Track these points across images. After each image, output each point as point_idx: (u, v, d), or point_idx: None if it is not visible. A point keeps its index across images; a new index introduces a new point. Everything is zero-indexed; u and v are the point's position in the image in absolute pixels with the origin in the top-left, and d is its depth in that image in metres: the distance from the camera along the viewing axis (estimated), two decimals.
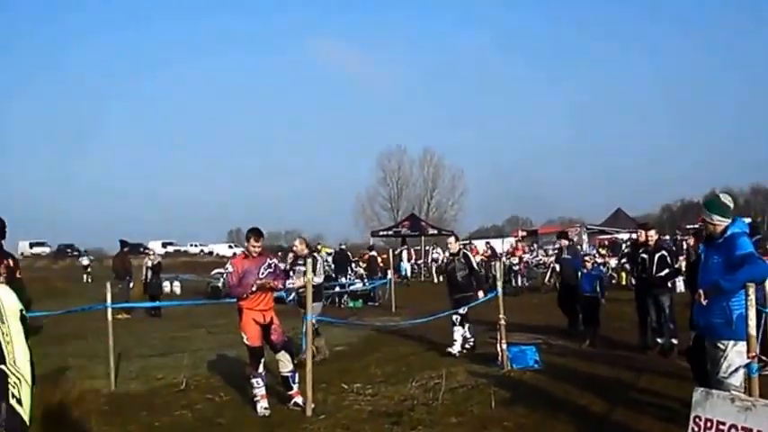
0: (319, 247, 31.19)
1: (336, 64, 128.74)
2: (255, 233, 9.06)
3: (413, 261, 38.53)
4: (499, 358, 11.07)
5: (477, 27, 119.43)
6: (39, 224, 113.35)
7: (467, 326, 12.86)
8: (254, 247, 8.98)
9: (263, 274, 8.88)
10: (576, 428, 7.65)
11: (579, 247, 34.08)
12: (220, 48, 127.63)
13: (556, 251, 34.92)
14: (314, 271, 10.53)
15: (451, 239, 14.03)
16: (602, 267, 16.76)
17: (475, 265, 13.38)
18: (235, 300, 9.13)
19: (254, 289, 8.77)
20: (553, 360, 11.49)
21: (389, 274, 25.47)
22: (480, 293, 12.83)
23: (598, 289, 13.51)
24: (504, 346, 11.02)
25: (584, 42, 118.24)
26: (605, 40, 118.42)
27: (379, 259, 30.57)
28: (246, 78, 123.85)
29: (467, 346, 12.78)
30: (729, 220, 6.49)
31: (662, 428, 7.36)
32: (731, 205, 6.59)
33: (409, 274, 36.07)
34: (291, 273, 12.20)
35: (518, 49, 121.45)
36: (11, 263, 7.60)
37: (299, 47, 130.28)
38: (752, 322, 5.74)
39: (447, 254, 13.95)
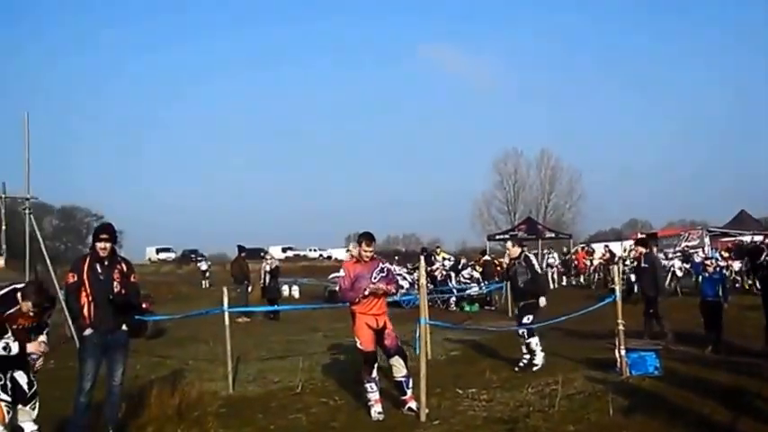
0: (438, 251, 31.18)
1: (449, 69, 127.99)
2: (367, 238, 9.09)
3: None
4: (618, 364, 10.78)
5: (594, 24, 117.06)
6: (165, 230, 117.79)
7: (536, 338, 11.90)
8: (365, 251, 9.01)
9: (375, 278, 8.89)
10: None
11: (666, 253, 33.34)
12: (331, 54, 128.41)
13: (677, 254, 34.15)
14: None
15: (509, 243, 12.92)
16: (724, 271, 15.99)
17: (538, 268, 12.50)
18: (348, 304, 9.18)
19: (366, 293, 8.81)
20: (673, 366, 11.08)
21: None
22: (542, 300, 11.98)
23: (720, 293, 12.97)
24: (623, 352, 10.73)
25: (710, 34, 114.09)
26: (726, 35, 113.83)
27: (497, 263, 30.36)
28: (361, 84, 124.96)
29: (542, 354, 11.79)
30: None
31: None
32: None
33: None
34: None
35: (635, 43, 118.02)
36: (124, 268, 7.80)
37: (412, 53, 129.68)
38: None
39: (507, 258, 12.86)
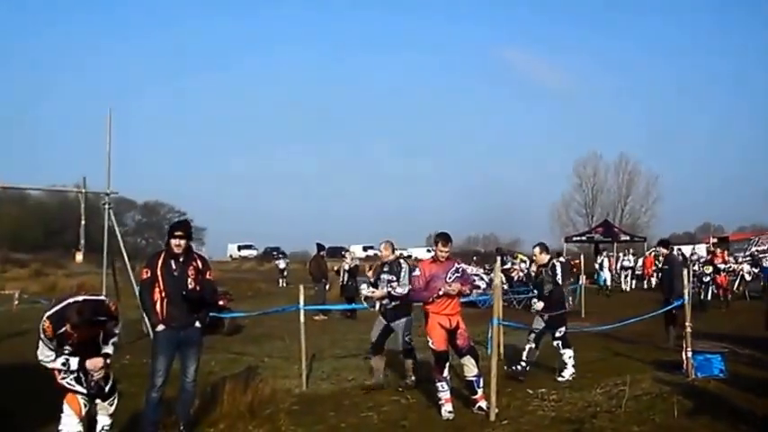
0: (516, 254, 31.03)
1: (528, 72, 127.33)
2: (444, 238, 9.17)
3: (614, 270, 36.67)
4: (684, 366, 10.82)
5: (676, 27, 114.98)
6: (251, 228, 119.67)
7: (532, 346, 11.39)
8: (441, 251, 9.08)
9: (450, 278, 8.97)
10: None
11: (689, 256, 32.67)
12: (409, 49, 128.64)
13: (747, 258, 33.49)
14: (397, 280, 10.51)
15: (537, 249, 12.10)
16: None
17: (559, 279, 11.54)
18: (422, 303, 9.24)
19: (440, 293, 8.85)
20: (739, 369, 11.08)
21: (581, 279, 25.01)
22: (538, 304, 11.51)
23: None
24: (690, 354, 10.76)
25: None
26: None
27: (573, 264, 30.10)
28: (446, 84, 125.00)
29: (572, 370, 11.26)
30: None
31: None
32: None
33: (609, 282, 34.25)
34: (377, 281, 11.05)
35: (715, 48, 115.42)
36: (199, 264, 7.93)
37: (488, 55, 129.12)
38: None
39: (534, 265, 12.56)
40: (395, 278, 10.50)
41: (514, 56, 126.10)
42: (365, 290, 11.22)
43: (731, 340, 13.53)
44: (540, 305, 11.39)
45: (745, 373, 10.81)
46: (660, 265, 15.24)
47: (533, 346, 11.37)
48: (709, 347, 11.38)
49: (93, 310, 6.71)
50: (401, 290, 10.42)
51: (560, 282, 11.45)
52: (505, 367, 10.89)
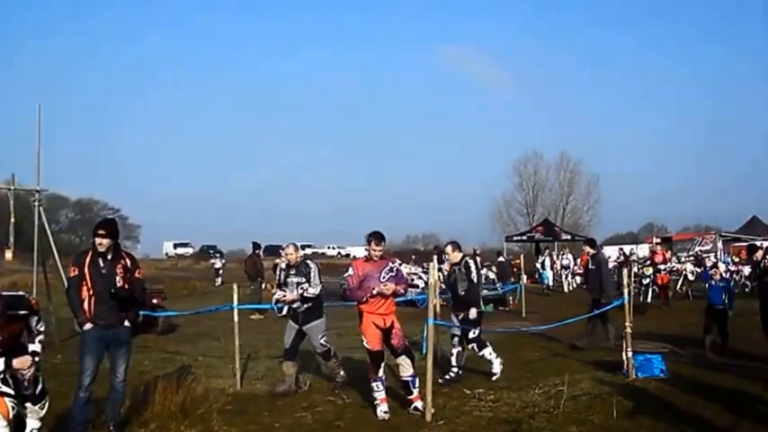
0: None
1: (470, 69, 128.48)
2: (376, 237, 9.03)
3: (557, 269, 36.73)
4: (624, 366, 10.84)
5: (615, 26, 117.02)
6: (188, 226, 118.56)
7: (458, 349, 11.23)
8: (374, 250, 8.97)
9: (384, 278, 8.88)
10: None
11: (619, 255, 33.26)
12: (352, 48, 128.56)
13: (690, 258, 34.05)
14: (308, 281, 10.44)
15: (449, 247, 11.65)
16: (730, 277, 15.55)
17: (474, 277, 11.25)
18: (355, 303, 9.14)
19: (374, 293, 8.77)
20: (680, 369, 11.16)
21: (522, 278, 25.23)
22: (473, 311, 11.07)
23: (726, 301, 12.99)
24: (630, 354, 10.77)
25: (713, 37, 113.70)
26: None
27: (513, 264, 30.32)
28: (384, 83, 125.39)
29: (500, 360, 11.25)
30: None
31: None
32: None
33: (551, 282, 34.48)
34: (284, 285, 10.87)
35: (657, 47, 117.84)
36: (128, 263, 7.77)
37: (432, 53, 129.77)
38: None
39: (447, 264, 11.84)
40: (304, 279, 10.40)
41: (453, 53, 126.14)
42: (277, 294, 10.95)
43: (672, 340, 13.72)
44: (474, 312, 11.12)
45: (686, 373, 10.92)
46: (587, 265, 15.27)
47: (459, 349, 11.28)
48: (650, 348, 11.49)
49: (11, 304, 6.50)
50: (313, 290, 10.39)
51: (475, 280, 11.26)
52: (440, 380, 10.57)
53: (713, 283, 13.34)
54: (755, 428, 7.82)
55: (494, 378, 10.87)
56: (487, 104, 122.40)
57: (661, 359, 10.97)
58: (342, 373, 10.60)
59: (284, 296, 10.63)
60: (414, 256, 38.42)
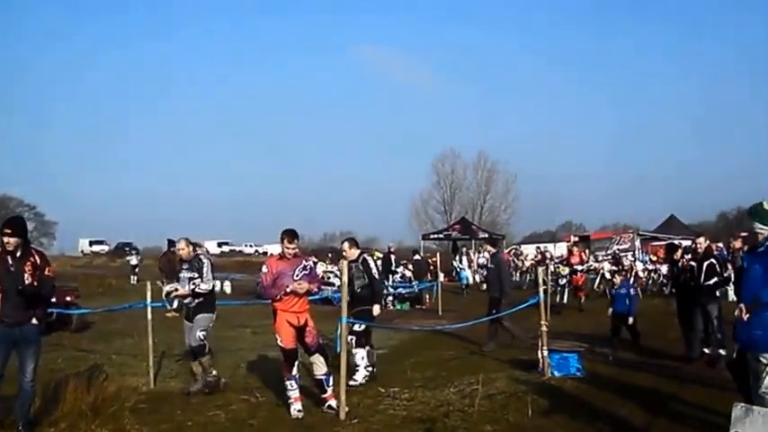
0: (372, 252, 31.13)
1: (390, 68, 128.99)
2: (290, 234, 8.94)
3: (474, 268, 36.23)
4: (540, 365, 10.92)
5: (533, 25, 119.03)
6: (105, 223, 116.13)
7: (366, 349, 10.82)
8: (288, 248, 8.90)
9: (297, 276, 8.81)
10: None
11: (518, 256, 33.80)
12: (268, 51, 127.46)
13: (608, 257, 34.65)
14: (200, 276, 10.36)
15: (346, 244, 11.43)
16: (635, 283, 15.57)
17: (375, 273, 11.12)
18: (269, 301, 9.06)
19: (287, 291, 8.75)
20: (596, 368, 11.32)
21: (439, 277, 25.39)
22: (376, 308, 10.85)
23: (628, 306, 13.21)
24: (546, 353, 10.86)
25: (625, 43, 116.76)
26: (644, 45, 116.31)
27: (430, 262, 30.45)
28: (301, 84, 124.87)
29: (365, 372, 10.69)
30: None
31: None
32: None
33: (470, 281, 33.31)
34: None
35: (566, 53, 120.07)
36: (37, 260, 7.61)
37: (347, 53, 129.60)
38: None
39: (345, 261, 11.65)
40: (197, 275, 10.28)
41: (371, 54, 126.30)
42: (168, 286, 10.84)
43: (589, 339, 14.00)
44: (377, 309, 10.87)
45: (602, 372, 11.08)
46: (487, 263, 15.40)
47: (368, 348, 11.08)
48: (566, 346, 11.67)
49: None
50: (206, 285, 10.31)
51: (376, 276, 11.09)
52: (350, 382, 9.93)
53: (615, 291, 13.56)
54: (670, 426, 7.95)
55: (352, 383, 10.03)
56: (406, 103, 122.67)
57: (577, 358, 11.09)
58: (214, 372, 10.41)
59: (176, 289, 10.51)
60: (330, 254, 38.40)
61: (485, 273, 33.98)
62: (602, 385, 10.06)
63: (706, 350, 12.00)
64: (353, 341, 10.52)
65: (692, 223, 56.92)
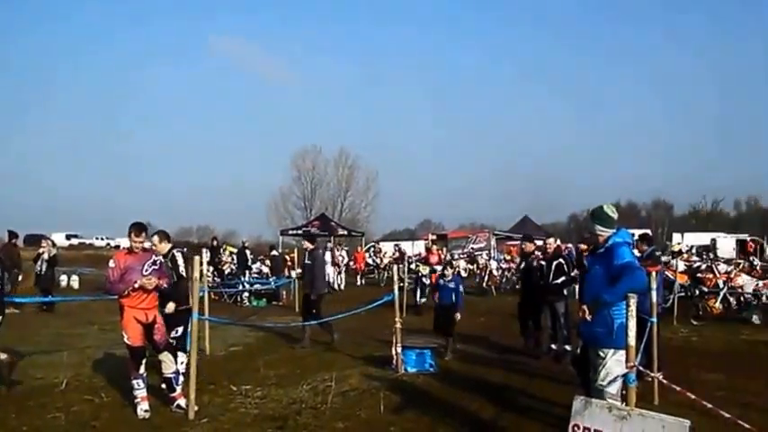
0: (226, 246, 30.60)
1: (251, 64, 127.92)
2: (136, 228, 8.57)
3: (340, 266, 33.84)
4: (394, 361, 10.96)
5: (395, 24, 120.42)
6: None
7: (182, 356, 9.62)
8: (135, 242, 8.53)
9: (147, 271, 8.48)
10: None
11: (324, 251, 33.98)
12: (129, 46, 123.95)
13: (464, 255, 35.25)
14: None
15: (156, 238, 10.15)
16: (461, 279, 15.67)
17: (183, 270, 10.04)
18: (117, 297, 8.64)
19: (135, 286, 8.37)
20: (449, 364, 11.49)
21: (294, 273, 25.12)
22: (171, 306, 9.33)
23: (455, 300, 13.01)
24: (399, 350, 10.92)
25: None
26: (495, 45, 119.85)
27: (288, 258, 30.00)
28: (159, 75, 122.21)
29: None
30: (611, 231, 6.62)
31: None
32: (614, 216, 6.73)
33: (333, 278, 29.91)
34: None
35: (426, 50, 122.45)
36: None
37: (206, 46, 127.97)
38: (631, 332, 5.78)
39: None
40: None
41: (226, 45, 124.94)
42: None
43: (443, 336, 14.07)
44: (171, 306, 9.52)
45: (455, 368, 11.22)
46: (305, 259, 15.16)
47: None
48: (420, 343, 11.68)
49: None
50: None
51: (184, 274, 10.10)
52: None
53: (443, 283, 13.57)
54: (518, 419, 8.11)
55: (175, 395, 8.84)
56: (268, 98, 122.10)
57: (430, 354, 11.20)
58: None
59: None
60: (185, 249, 37.55)
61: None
62: (454, 381, 10.20)
63: (553, 346, 12.33)
64: (173, 344, 9.44)
65: (546, 224, 58.87)
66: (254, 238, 44.69)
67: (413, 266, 25.65)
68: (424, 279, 22.46)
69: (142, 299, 8.52)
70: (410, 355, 11.08)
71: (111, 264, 8.58)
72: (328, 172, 77.18)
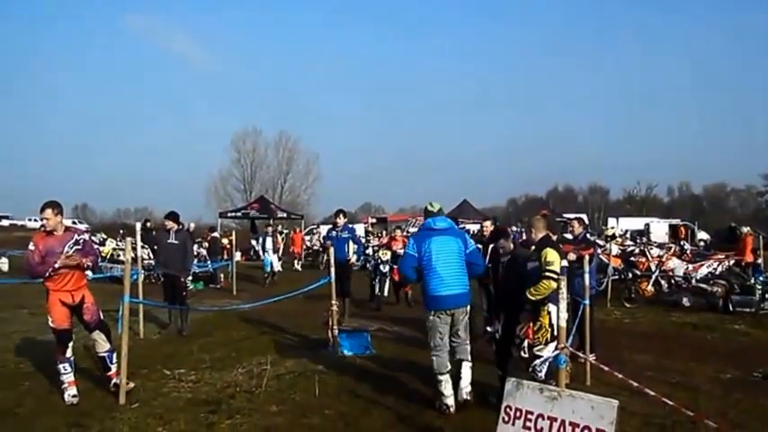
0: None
1: (181, 44, 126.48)
2: (51, 206, 8.21)
3: (280, 252, 31.49)
4: (330, 344, 10.91)
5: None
6: None
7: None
8: (41, 220, 8.23)
9: (68, 251, 8.19)
10: (395, 415, 7.60)
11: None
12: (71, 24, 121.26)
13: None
14: None
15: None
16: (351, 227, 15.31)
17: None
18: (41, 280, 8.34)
19: (56, 266, 8.08)
20: (386, 347, 11.45)
21: (236, 256, 24.88)
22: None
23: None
24: (336, 332, 10.86)
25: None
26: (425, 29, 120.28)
27: (226, 241, 29.58)
28: (94, 53, 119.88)
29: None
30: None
31: (480, 415, 7.44)
32: (431, 209, 8.36)
33: (277, 267, 27.09)
34: None
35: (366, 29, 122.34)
36: None
37: (129, 24, 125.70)
38: (563, 315, 5.91)
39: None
40: None
41: (146, 23, 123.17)
42: None
43: (381, 319, 14.14)
44: None
45: (391, 350, 11.21)
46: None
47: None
48: (357, 326, 11.60)
49: None
50: None
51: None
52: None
53: (335, 234, 13.68)
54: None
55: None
56: (204, 78, 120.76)
57: (368, 336, 11.19)
58: None
59: None
60: (122, 231, 37.02)
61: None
62: (390, 363, 10.17)
63: (489, 328, 12.31)
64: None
65: (485, 207, 59.32)
66: (195, 220, 44.12)
67: (369, 252, 25.09)
68: (381, 267, 18.53)
69: (67, 280, 8.25)
70: (346, 338, 11.03)
71: (31, 246, 8.21)
72: (269, 154, 77.05)
